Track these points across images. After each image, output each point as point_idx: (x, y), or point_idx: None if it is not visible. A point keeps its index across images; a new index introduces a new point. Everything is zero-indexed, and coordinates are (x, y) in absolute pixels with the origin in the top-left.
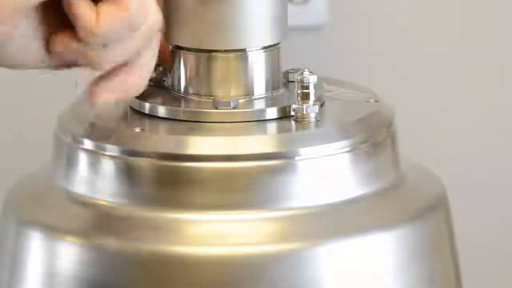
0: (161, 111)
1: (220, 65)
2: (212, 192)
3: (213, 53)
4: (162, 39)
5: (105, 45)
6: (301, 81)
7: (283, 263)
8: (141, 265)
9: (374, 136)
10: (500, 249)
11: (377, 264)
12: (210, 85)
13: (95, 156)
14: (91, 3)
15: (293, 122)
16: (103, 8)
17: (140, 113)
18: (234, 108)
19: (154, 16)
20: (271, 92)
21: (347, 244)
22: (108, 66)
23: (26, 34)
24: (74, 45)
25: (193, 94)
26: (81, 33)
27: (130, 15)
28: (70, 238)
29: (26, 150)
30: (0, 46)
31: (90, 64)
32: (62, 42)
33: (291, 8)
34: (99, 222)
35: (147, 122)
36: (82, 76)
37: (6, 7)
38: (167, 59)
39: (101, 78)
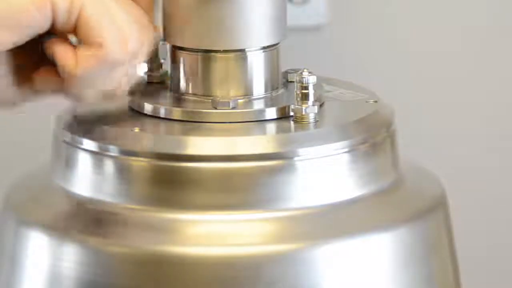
0: (160, 111)
1: (219, 65)
2: (211, 193)
3: (212, 53)
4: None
5: (87, 84)
6: (300, 81)
7: (282, 264)
8: (140, 265)
9: (373, 137)
10: (500, 249)
11: (376, 265)
12: (209, 85)
13: (94, 156)
14: (71, 46)
15: (292, 123)
16: (81, 52)
17: (139, 113)
18: (233, 108)
19: (135, 41)
20: (270, 93)
21: (346, 244)
22: (92, 99)
23: None
24: (56, 84)
25: (192, 94)
26: (63, 73)
27: (107, 54)
28: (69, 238)
29: (25, 150)
30: None
31: (74, 98)
32: (46, 81)
33: (291, 8)
34: (98, 222)
35: (146, 122)
36: None
37: None
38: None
39: None
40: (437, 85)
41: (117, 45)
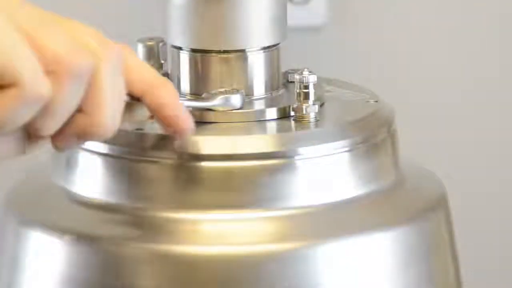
0: None
1: (219, 65)
2: (212, 192)
3: (213, 53)
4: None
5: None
6: (301, 81)
7: (283, 263)
8: (139, 264)
9: (373, 136)
10: (500, 249)
11: (376, 264)
12: (210, 86)
13: (94, 156)
14: None
15: (293, 122)
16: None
17: None
18: (233, 108)
19: (68, 61)
20: (271, 93)
21: (347, 243)
22: (48, 132)
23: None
24: None
25: (192, 94)
26: None
27: (20, 94)
28: (69, 239)
29: None
30: None
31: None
32: None
33: (291, 8)
34: (98, 222)
35: (146, 122)
36: None
37: None
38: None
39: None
40: (437, 85)
41: (36, 84)
